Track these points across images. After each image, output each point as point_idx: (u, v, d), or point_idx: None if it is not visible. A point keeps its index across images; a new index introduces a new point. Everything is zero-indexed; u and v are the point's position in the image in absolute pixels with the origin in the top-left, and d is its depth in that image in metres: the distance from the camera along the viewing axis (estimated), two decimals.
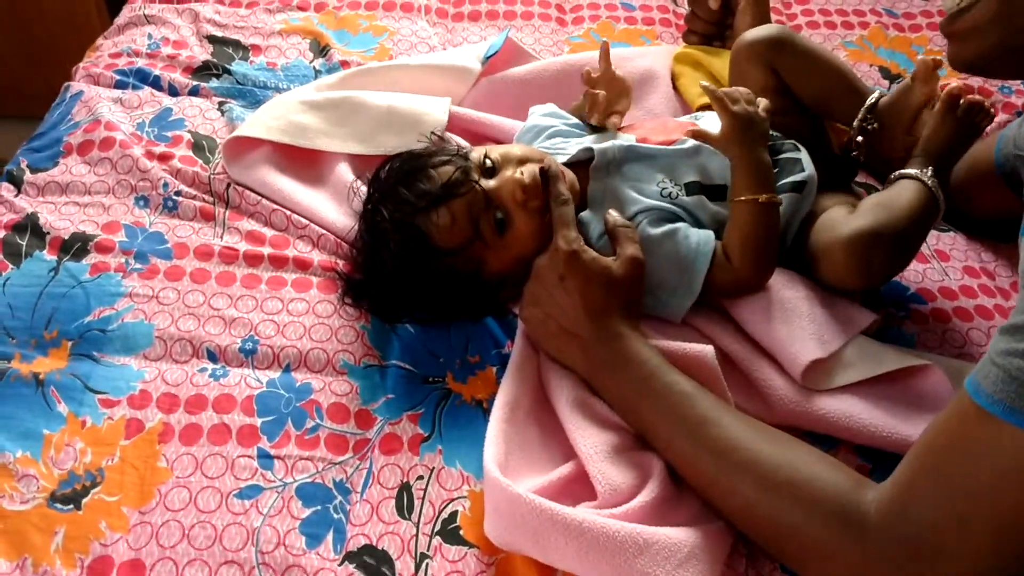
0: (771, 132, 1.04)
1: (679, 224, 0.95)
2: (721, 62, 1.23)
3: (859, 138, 1.00)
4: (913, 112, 0.96)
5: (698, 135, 0.97)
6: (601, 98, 1.03)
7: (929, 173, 0.97)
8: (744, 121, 0.94)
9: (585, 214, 0.98)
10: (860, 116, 0.97)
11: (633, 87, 1.11)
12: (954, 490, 0.64)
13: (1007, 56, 0.70)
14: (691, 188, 0.99)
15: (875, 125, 0.98)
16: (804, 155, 1.03)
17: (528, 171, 0.95)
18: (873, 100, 0.99)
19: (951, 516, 0.64)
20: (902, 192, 0.96)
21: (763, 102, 0.96)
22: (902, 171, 0.99)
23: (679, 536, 0.75)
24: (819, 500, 0.71)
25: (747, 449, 0.77)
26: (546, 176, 0.95)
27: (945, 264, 1.10)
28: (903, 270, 1.02)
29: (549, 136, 1.08)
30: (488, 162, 0.97)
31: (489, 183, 0.95)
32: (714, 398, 0.83)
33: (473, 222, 0.94)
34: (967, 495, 0.63)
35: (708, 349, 0.89)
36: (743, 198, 0.93)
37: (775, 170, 1.01)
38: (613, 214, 0.95)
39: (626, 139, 1.02)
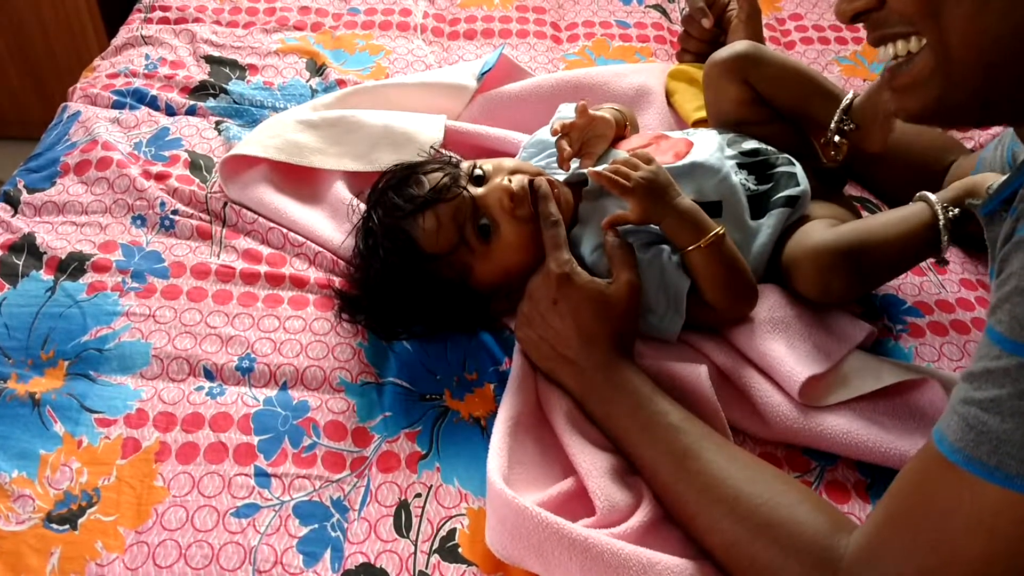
0: (764, 146, 1.05)
1: (663, 245, 0.95)
2: None
3: (836, 138, 1.00)
4: (885, 108, 0.96)
5: (617, 220, 0.94)
6: (566, 155, 1.01)
7: (953, 212, 0.92)
8: (646, 190, 0.92)
9: (576, 230, 0.99)
10: (836, 118, 0.97)
11: (630, 107, 1.11)
12: (919, 541, 0.63)
13: (950, 109, 0.69)
14: None
15: (851, 126, 0.98)
16: (799, 169, 1.03)
17: (517, 180, 0.96)
18: (847, 101, 1.00)
19: (917, 568, 0.63)
20: (902, 221, 0.94)
21: (644, 155, 0.95)
22: (928, 194, 0.95)
23: (680, 563, 0.75)
24: (796, 543, 0.71)
25: (728, 486, 0.76)
26: (536, 192, 0.95)
27: (942, 277, 1.10)
28: (869, 291, 1.02)
29: (552, 155, 1.08)
30: (478, 171, 0.98)
31: (477, 190, 0.96)
32: (701, 429, 0.83)
33: (459, 228, 0.95)
34: (931, 547, 0.62)
35: (702, 369, 0.89)
36: (689, 248, 0.92)
37: (770, 184, 1.01)
38: (611, 234, 0.95)
39: None
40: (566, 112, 1.12)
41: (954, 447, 0.61)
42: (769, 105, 1.09)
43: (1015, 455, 0.57)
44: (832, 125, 0.99)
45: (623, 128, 1.10)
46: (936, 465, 0.62)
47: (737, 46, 1.10)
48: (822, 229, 0.97)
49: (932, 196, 0.94)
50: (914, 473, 0.66)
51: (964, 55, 0.64)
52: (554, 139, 1.09)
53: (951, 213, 0.92)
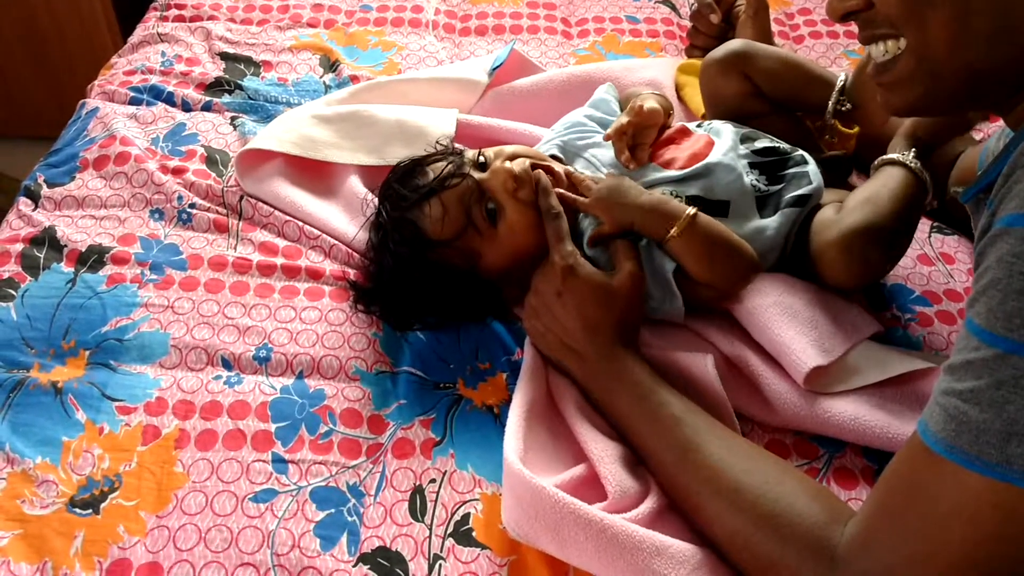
0: (778, 144, 1.04)
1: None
2: None
3: (834, 121, 1.01)
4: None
5: (595, 237, 0.97)
6: (626, 158, 1.03)
7: (911, 155, 0.97)
8: (605, 200, 0.95)
9: (581, 221, 1.00)
10: (833, 99, 0.99)
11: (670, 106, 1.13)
12: (908, 530, 0.65)
13: (937, 103, 0.73)
14: (690, 202, 0.99)
15: (847, 106, 1.00)
16: (812, 167, 1.02)
17: (519, 163, 0.97)
18: (841, 83, 1.02)
19: (907, 556, 0.65)
20: (887, 181, 0.96)
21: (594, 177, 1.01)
22: (884, 156, 0.99)
23: (690, 548, 0.77)
24: (793, 533, 0.72)
25: (729, 478, 0.78)
26: (536, 186, 0.97)
27: (950, 267, 1.11)
28: (900, 260, 1.02)
29: (582, 133, 1.09)
30: (482, 158, 1.00)
31: (481, 174, 0.98)
32: (703, 420, 0.84)
33: (465, 212, 0.96)
34: (920, 535, 0.64)
35: (708, 359, 0.90)
36: (666, 239, 0.93)
37: (781, 185, 1.01)
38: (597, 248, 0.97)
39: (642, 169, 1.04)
40: (603, 95, 1.15)
41: (937, 437, 0.62)
42: (767, 97, 1.10)
43: (994, 444, 0.59)
44: (829, 106, 1.00)
45: (669, 116, 1.11)
46: (921, 455, 0.64)
47: (731, 44, 1.12)
48: (834, 214, 0.97)
49: (891, 155, 0.98)
50: (901, 463, 0.68)
51: (946, 57, 0.67)
52: (582, 122, 1.11)
53: (915, 163, 0.97)
